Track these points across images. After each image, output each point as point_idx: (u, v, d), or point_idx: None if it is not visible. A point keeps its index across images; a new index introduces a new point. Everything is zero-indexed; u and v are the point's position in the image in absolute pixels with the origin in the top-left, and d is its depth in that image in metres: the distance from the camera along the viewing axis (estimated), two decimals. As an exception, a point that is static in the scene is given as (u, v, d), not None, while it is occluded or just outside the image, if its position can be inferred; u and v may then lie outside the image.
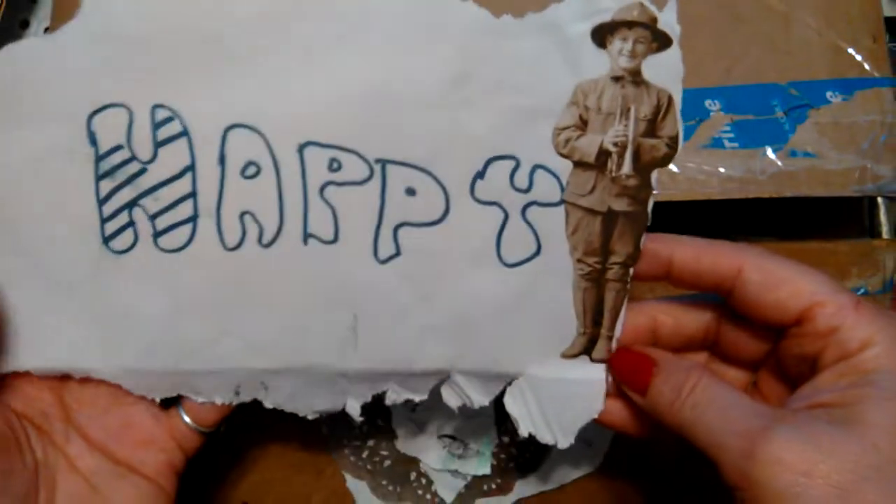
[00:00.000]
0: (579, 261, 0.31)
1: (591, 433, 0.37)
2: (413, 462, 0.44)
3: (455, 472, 0.44)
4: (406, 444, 0.44)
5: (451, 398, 0.34)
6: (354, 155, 0.31)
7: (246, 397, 0.34)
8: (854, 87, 0.38)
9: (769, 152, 0.37)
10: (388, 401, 0.35)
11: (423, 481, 0.44)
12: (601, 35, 0.29)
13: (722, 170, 0.37)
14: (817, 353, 0.28)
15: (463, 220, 0.32)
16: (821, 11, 0.38)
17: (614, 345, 0.32)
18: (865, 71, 0.38)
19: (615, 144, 0.30)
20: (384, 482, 0.44)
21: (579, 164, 0.30)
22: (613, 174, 0.30)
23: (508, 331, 0.33)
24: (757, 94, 0.38)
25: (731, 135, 0.38)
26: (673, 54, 0.29)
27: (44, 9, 0.49)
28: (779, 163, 0.37)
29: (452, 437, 0.43)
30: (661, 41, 0.29)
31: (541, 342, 0.33)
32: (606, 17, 0.29)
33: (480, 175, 0.31)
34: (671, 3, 0.29)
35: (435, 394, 0.34)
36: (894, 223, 0.43)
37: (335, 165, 0.31)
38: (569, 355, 0.33)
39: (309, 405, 0.35)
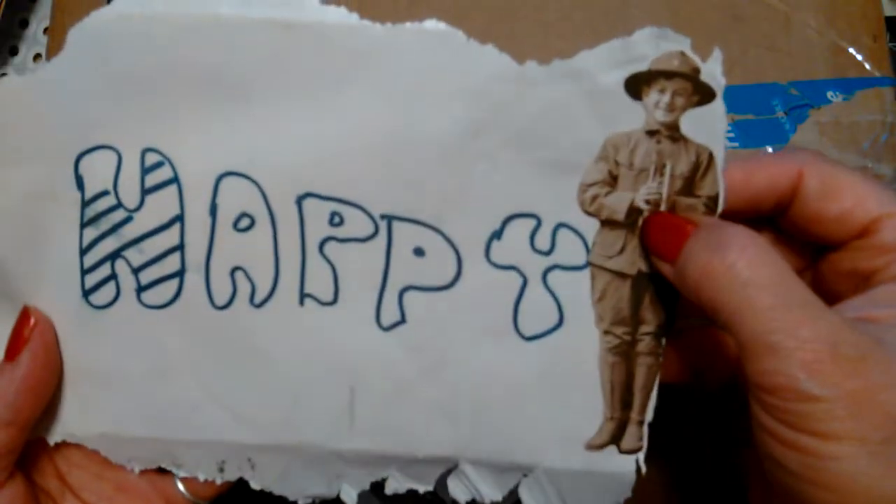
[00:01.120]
0: (607, 332, 0.28)
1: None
2: None
3: None
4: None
5: (458, 491, 0.31)
6: (358, 209, 0.28)
7: (231, 475, 0.31)
8: (854, 86, 0.37)
9: (770, 152, 0.36)
10: (389, 489, 0.31)
11: None
12: (636, 85, 0.26)
13: (722, 170, 0.37)
14: (875, 269, 0.25)
15: (476, 285, 0.28)
16: (821, 11, 0.38)
17: (645, 431, 0.29)
18: (866, 71, 0.38)
19: (647, 202, 0.27)
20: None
21: (607, 223, 0.27)
22: (639, 231, 0.27)
23: (525, 414, 0.29)
24: (757, 93, 0.38)
25: (732, 134, 0.38)
26: (716, 109, 0.26)
27: (43, 9, 0.48)
28: None
29: None
30: (703, 94, 0.26)
31: (562, 428, 0.29)
32: (643, 66, 0.26)
33: (497, 235, 0.28)
34: (716, 54, 0.25)
35: (441, 484, 0.31)
36: None
37: (336, 220, 0.28)
38: (595, 446, 0.29)
39: (300, 489, 0.31)
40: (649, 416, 0.29)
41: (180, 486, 0.32)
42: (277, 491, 0.31)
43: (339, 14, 0.26)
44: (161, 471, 0.32)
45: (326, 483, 0.31)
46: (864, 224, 0.25)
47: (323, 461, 0.30)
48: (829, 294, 0.26)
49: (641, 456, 0.29)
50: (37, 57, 0.47)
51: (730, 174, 0.26)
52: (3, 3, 0.44)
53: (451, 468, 0.30)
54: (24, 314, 0.29)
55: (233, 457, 0.31)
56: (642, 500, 0.33)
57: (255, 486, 0.31)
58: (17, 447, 0.29)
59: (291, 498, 0.31)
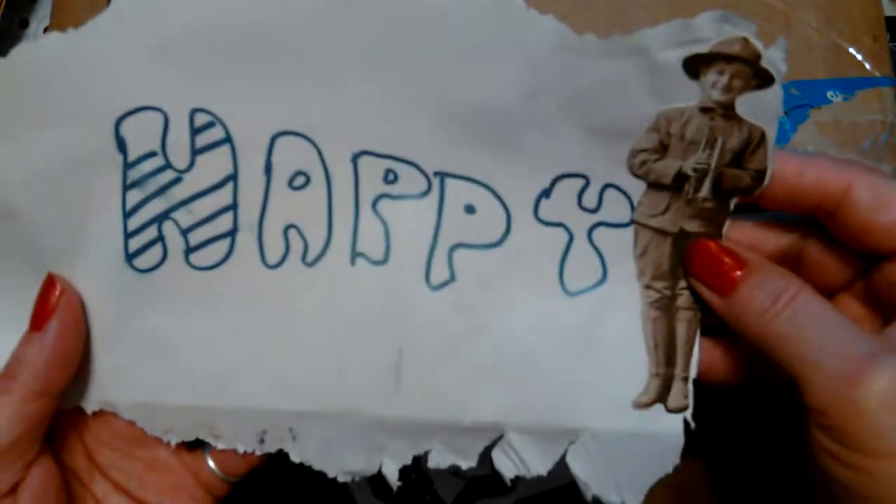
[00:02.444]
0: (647, 287, 0.29)
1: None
2: (413, 462, 0.42)
3: (455, 473, 0.42)
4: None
5: (504, 465, 0.30)
6: (412, 166, 0.29)
7: (271, 446, 0.30)
8: (855, 86, 0.37)
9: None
10: (432, 463, 0.31)
11: (423, 482, 0.42)
12: (695, 65, 0.26)
13: (724, 169, 0.37)
14: None
15: (524, 242, 0.29)
16: (821, 11, 0.38)
17: (690, 388, 0.29)
18: (866, 70, 0.37)
19: (695, 170, 0.28)
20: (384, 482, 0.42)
21: (654, 185, 0.28)
22: (690, 196, 0.28)
23: (570, 373, 0.30)
24: None
25: None
26: (774, 93, 0.26)
27: (43, 9, 0.47)
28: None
29: None
30: (762, 78, 0.26)
31: (608, 386, 0.30)
32: (703, 48, 0.26)
33: (546, 193, 0.29)
34: (780, 42, 0.26)
35: (484, 460, 0.31)
36: None
37: (391, 177, 0.29)
38: (642, 404, 0.30)
39: (340, 463, 0.31)
40: (693, 372, 0.30)
41: (211, 463, 0.32)
42: (317, 465, 0.30)
43: None
44: (192, 448, 0.31)
45: (367, 456, 0.30)
46: None
47: (365, 432, 0.30)
48: (885, 304, 0.28)
49: (689, 414, 0.30)
50: (37, 56, 0.46)
51: (783, 163, 0.27)
52: (3, 3, 0.44)
53: (496, 440, 0.30)
54: (50, 282, 0.28)
55: (274, 426, 0.30)
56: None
57: (294, 458, 0.30)
58: (49, 418, 0.28)
59: (331, 473, 0.31)
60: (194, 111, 0.28)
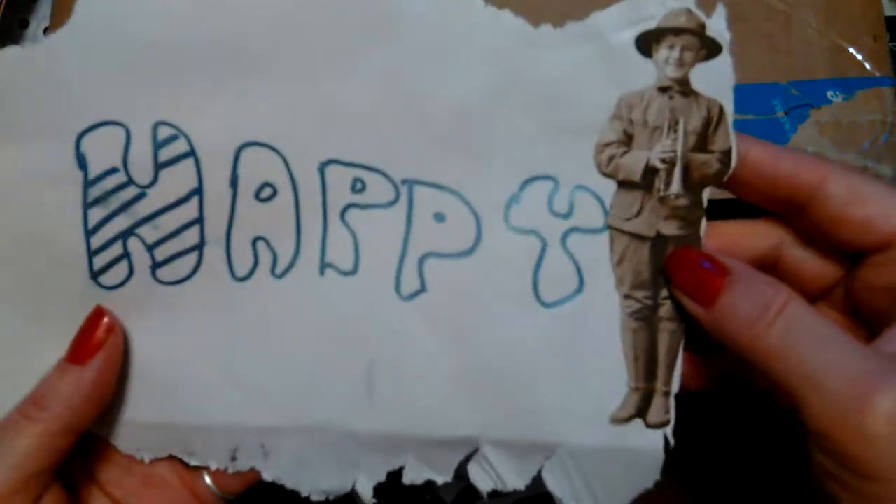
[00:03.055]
0: (627, 296, 0.28)
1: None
2: None
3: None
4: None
5: (480, 478, 0.30)
6: (380, 174, 0.28)
7: (243, 464, 0.30)
8: (855, 86, 0.37)
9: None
10: (407, 479, 0.30)
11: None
12: (647, 43, 0.27)
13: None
14: None
15: (496, 250, 0.28)
16: (821, 11, 0.38)
17: (672, 403, 0.28)
18: (866, 70, 0.38)
19: (663, 161, 0.27)
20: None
21: (624, 184, 0.28)
22: (661, 193, 0.28)
23: (547, 386, 0.29)
24: (758, 93, 0.38)
25: None
26: (723, 62, 0.27)
27: (43, 9, 0.48)
28: None
29: None
30: (710, 48, 0.27)
31: (585, 401, 0.28)
32: (652, 25, 0.27)
33: (516, 199, 0.28)
34: (720, 9, 0.27)
35: (460, 474, 0.30)
36: None
37: (359, 186, 0.28)
38: (620, 419, 0.28)
39: (314, 481, 0.30)
40: (675, 386, 0.28)
41: (208, 480, 0.31)
42: (290, 483, 0.30)
43: None
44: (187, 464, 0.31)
45: (341, 473, 0.30)
46: (888, 234, 0.25)
47: (338, 447, 0.29)
48: (864, 312, 0.27)
49: (669, 430, 0.28)
50: (37, 57, 0.47)
51: (758, 151, 0.27)
52: (3, 3, 0.44)
53: (471, 453, 0.29)
54: (98, 314, 0.28)
55: (245, 443, 0.29)
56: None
57: (267, 476, 0.30)
58: (69, 452, 0.28)
59: (304, 492, 0.30)
60: (157, 124, 0.28)
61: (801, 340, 0.23)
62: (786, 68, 0.38)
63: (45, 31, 0.47)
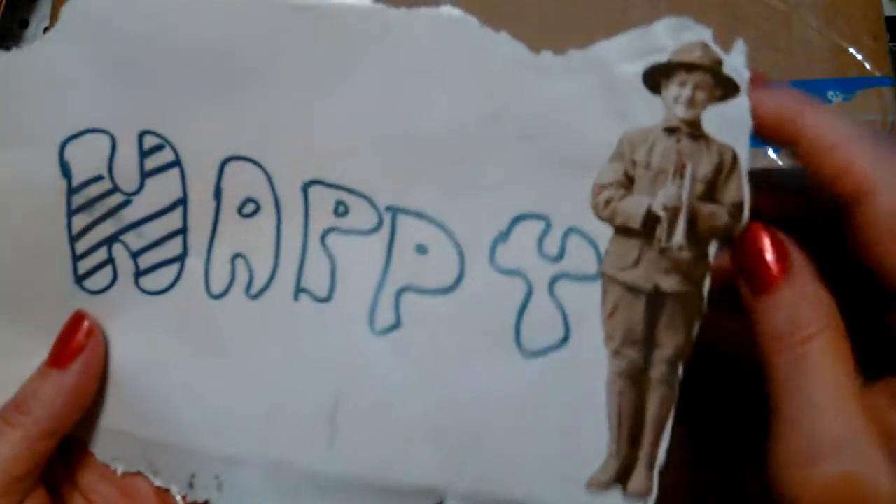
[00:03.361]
0: (616, 353, 0.25)
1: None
2: None
3: None
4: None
5: None
6: (364, 199, 0.27)
7: (199, 494, 0.29)
8: (855, 86, 0.38)
9: (770, 152, 0.37)
10: None
11: None
12: (655, 78, 0.24)
13: (723, 169, 0.36)
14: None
15: (478, 290, 0.26)
16: (822, 11, 0.38)
17: (656, 476, 0.25)
18: (866, 70, 0.38)
19: (666, 208, 0.25)
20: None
21: (622, 231, 0.25)
22: (663, 244, 0.25)
23: (522, 441, 0.26)
24: None
25: None
26: (740, 104, 0.24)
27: (43, 9, 0.48)
28: (780, 162, 0.37)
29: None
30: (726, 88, 0.24)
31: (562, 461, 0.26)
32: (662, 58, 0.24)
33: (503, 237, 0.26)
34: (739, 45, 0.24)
35: None
36: None
37: (341, 209, 0.27)
38: (596, 484, 0.26)
39: None
40: (661, 457, 0.25)
41: (179, 500, 0.30)
42: None
43: None
44: None
45: None
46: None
47: (295, 489, 0.28)
48: None
49: (650, 502, 0.26)
50: (37, 57, 0.48)
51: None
52: (3, 3, 0.45)
53: None
54: (77, 319, 0.28)
55: (203, 470, 0.29)
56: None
57: None
58: (52, 456, 0.28)
59: None
60: (143, 133, 0.27)
61: (802, 381, 0.23)
62: (786, 68, 0.38)
63: (45, 30, 0.47)
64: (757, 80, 0.24)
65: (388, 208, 0.27)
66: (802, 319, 0.23)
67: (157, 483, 0.29)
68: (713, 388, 0.32)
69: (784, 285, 0.23)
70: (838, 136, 0.22)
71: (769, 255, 0.24)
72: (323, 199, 0.27)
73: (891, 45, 0.39)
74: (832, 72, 0.37)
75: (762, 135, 0.24)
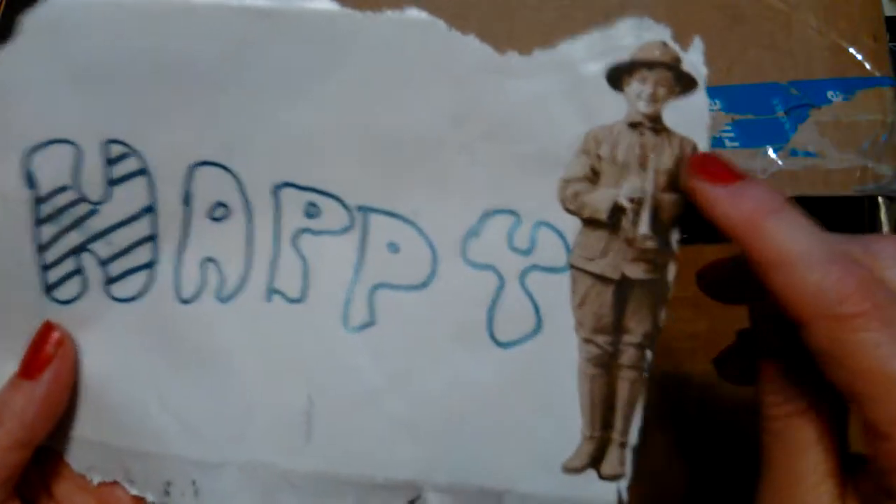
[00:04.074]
0: (587, 340, 0.26)
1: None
2: None
3: None
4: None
5: None
6: (335, 200, 0.27)
7: (176, 501, 0.29)
8: (855, 86, 0.37)
9: (770, 152, 0.36)
10: None
11: None
12: (618, 76, 0.25)
13: (723, 169, 0.37)
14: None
15: (451, 285, 0.27)
16: (821, 11, 0.38)
17: (628, 455, 0.27)
18: (866, 70, 0.37)
19: (631, 200, 0.26)
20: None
21: (589, 223, 0.26)
22: (629, 234, 0.26)
23: (497, 431, 0.27)
24: (757, 93, 0.37)
25: (732, 134, 0.37)
26: (698, 99, 0.25)
27: None
28: (779, 162, 0.37)
29: None
30: (685, 84, 0.25)
31: (537, 448, 0.27)
32: (624, 57, 0.25)
33: (475, 232, 0.27)
34: (696, 43, 0.25)
35: None
36: (894, 223, 0.41)
37: (312, 211, 0.27)
38: (572, 469, 0.27)
39: None
40: (633, 438, 0.27)
41: None
42: None
43: (319, 2, 0.26)
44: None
45: None
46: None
47: (272, 489, 0.28)
48: None
49: (624, 484, 0.27)
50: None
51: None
52: (3, 3, 0.44)
53: (414, 499, 0.28)
54: (47, 329, 0.28)
55: (178, 476, 0.29)
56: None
57: None
58: (25, 466, 0.28)
59: None
60: (108, 142, 0.27)
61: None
62: (786, 68, 0.38)
63: None
64: (718, 172, 0.24)
65: (360, 208, 0.27)
66: (791, 394, 0.24)
67: (133, 492, 0.29)
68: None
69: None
70: (781, 254, 0.22)
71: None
72: (294, 202, 0.27)
73: (891, 45, 0.39)
74: (832, 72, 0.37)
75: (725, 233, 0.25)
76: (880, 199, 0.41)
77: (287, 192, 0.27)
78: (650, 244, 0.26)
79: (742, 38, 0.38)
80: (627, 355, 0.26)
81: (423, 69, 0.26)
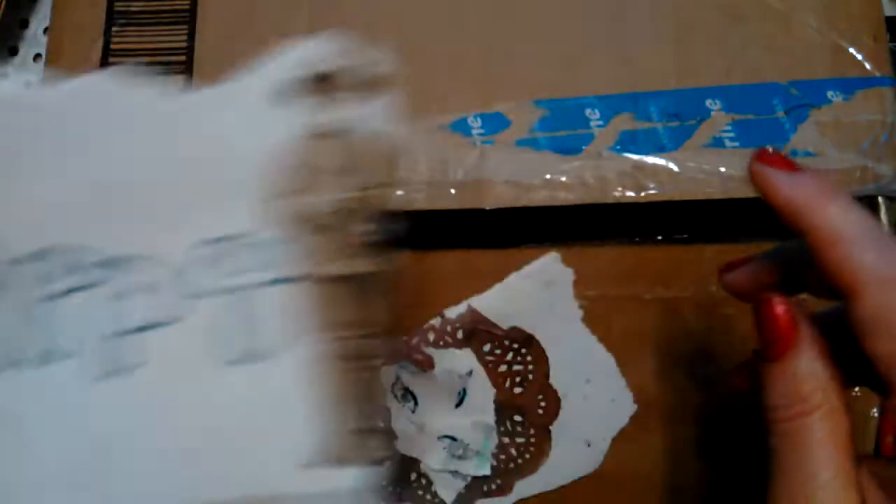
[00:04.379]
0: (323, 338, 0.27)
1: (591, 434, 0.39)
2: (413, 463, 0.42)
3: (455, 473, 0.41)
4: (406, 445, 0.41)
5: None
6: (76, 257, 0.28)
7: None
8: (855, 86, 0.38)
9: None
10: None
11: (423, 482, 0.41)
12: (302, 90, 0.28)
13: (723, 169, 0.38)
14: None
15: (193, 316, 0.28)
16: (821, 11, 0.39)
17: (369, 444, 0.27)
18: (866, 70, 0.38)
19: (345, 202, 0.27)
20: (384, 482, 0.41)
21: (312, 230, 0.28)
22: (350, 232, 0.27)
23: (249, 441, 0.28)
24: (758, 93, 0.38)
25: (732, 134, 0.38)
26: (384, 99, 0.27)
27: (43, 9, 0.48)
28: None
29: (452, 438, 0.41)
30: (370, 87, 0.27)
31: (282, 449, 0.28)
32: (306, 71, 0.27)
33: (202, 260, 0.28)
34: (379, 49, 0.27)
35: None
36: (894, 223, 0.41)
37: (58, 272, 0.28)
38: (311, 464, 0.27)
39: None
40: (368, 423, 0.27)
41: None
42: None
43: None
44: None
45: None
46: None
47: None
48: None
49: (370, 467, 0.27)
50: (36, 57, 0.48)
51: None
52: (3, 3, 0.45)
53: None
54: None
55: None
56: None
57: None
58: None
59: None
60: None
61: (797, 453, 0.24)
62: (786, 68, 0.39)
63: (45, 31, 0.47)
64: (780, 162, 0.25)
65: (102, 262, 0.28)
66: (799, 394, 0.24)
67: None
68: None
69: (788, 357, 0.25)
70: (840, 232, 0.24)
71: (778, 326, 0.25)
72: (34, 269, 0.28)
73: (891, 45, 0.40)
74: (832, 72, 0.38)
75: (780, 220, 0.26)
76: (880, 199, 0.41)
77: (24, 264, 0.28)
78: (372, 238, 0.27)
79: (742, 38, 0.39)
80: (359, 346, 0.27)
81: (123, 123, 0.28)
